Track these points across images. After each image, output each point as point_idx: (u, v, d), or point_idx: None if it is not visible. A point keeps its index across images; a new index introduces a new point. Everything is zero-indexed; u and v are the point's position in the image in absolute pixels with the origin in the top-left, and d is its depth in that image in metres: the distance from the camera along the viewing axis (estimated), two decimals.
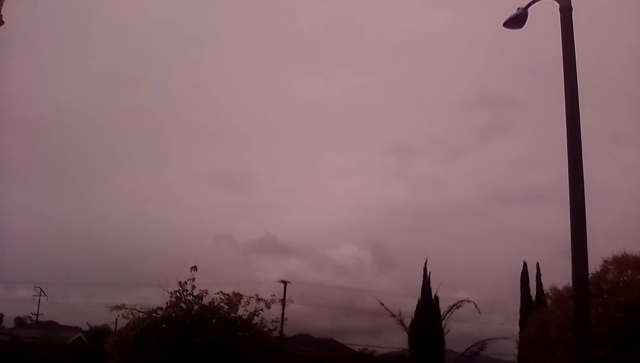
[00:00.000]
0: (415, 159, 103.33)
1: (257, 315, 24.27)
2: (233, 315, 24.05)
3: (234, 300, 24.13)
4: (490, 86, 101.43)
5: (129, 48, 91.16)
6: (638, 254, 21.98)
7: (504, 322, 53.86)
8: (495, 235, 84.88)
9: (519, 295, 42.51)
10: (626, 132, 74.87)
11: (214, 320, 23.79)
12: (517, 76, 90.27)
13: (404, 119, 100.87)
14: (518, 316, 40.53)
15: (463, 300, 38.40)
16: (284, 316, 33.44)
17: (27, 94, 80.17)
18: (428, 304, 37.41)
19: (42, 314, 68.27)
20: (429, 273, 38.25)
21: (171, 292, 23.95)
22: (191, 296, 24.06)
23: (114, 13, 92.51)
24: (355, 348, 64.77)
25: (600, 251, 21.55)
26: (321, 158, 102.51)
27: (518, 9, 13.04)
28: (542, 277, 41.68)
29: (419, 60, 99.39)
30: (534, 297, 40.56)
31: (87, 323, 59.97)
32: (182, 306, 23.94)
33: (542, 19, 13.10)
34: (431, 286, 38.06)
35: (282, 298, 40.67)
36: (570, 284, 12.33)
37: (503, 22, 13.19)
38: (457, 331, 39.93)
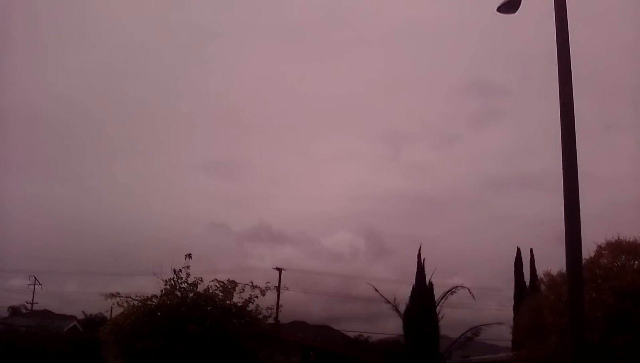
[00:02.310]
0: (408, 146, 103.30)
1: (252, 302, 24.35)
2: (228, 302, 24.10)
3: (229, 287, 24.18)
4: (483, 73, 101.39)
5: (124, 39, 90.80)
6: (632, 239, 22.05)
7: (498, 308, 54.25)
8: (489, 222, 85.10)
9: (513, 280, 42.74)
10: (619, 120, 74.94)
11: (209, 308, 23.83)
12: (509, 63, 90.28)
13: (396, 106, 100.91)
14: (512, 302, 40.78)
15: (457, 286, 38.61)
16: (279, 304, 33.63)
17: (23, 85, 79.97)
18: (422, 290, 37.53)
19: (37, 303, 68.37)
20: (423, 259, 38.40)
21: (166, 280, 23.98)
22: (186, 284, 24.09)
23: (109, 4, 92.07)
24: (351, 335, 65.01)
25: (593, 237, 21.61)
26: (314, 146, 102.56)
27: None
28: (535, 263, 41.89)
29: (412, 47, 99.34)
30: (527, 283, 40.75)
31: (82, 311, 60.06)
32: (177, 294, 23.96)
33: (535, 5, 13.07)
34: (425, 272, 38.20)
35: (277, 285, 40.72)
36: (564, 269, 12.37)
37: (496, 7, 13.15)
38: (452, 317, 40.11)
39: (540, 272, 29.41)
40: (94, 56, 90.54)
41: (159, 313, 23.57)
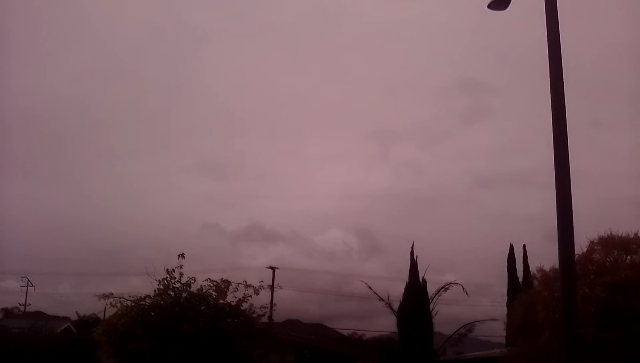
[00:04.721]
0: (398, 145, 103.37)
1: (246, 301, 24.34)
2: (222, 301, 24.09)
3: (223, 286, 24.16)
4: (472, 72, 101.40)
5: (119, 43, 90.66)
6: (624, 234, 22.12)
7: (491, 304, 54.46)
8: (480, 219, 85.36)
9: (506, 277, 42.73)
10: (606, 117, 75.36)
11: (202, 307, 23.82)
12: (498, 61, 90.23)
13: (386, 105, 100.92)
14: (505, 298, 40.70)
15: (450, 283, 38.63)
16: (273, 302, 33.57)
17: (20, 87, 79.71)
18: (416, 287, 37.55)
19: (30, 304, 68.16)
20: (416, 256, 38.41)
21: (159, 280, 23.95)
22: (179, 284, 24.07)
23: (106, 9, 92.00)
24: (345, 333, 65.23)
25: (583, 233, 21.64)
26: (304, 146, 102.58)
27: None
28: (528, 259, 41.92)
29: (400, 46, 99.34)
30: (521, 279, 40.74)
31: (75, 312, 59.91)
32: (170, 294, 23.95)
33: (524, 2, 13.09)
34: (418, 270, 38.24)
35: (270, 284, 40.68)
36: (557, 265, 12.40)
37: (486, 4, 13.17)
38: (445, 314, 40.15)
39: (533, 268, 29.45)
40: (90, 58, 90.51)
41: (152, 314, 23.54)
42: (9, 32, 64.02)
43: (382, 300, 38.42)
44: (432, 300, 37.81)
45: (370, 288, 39.16)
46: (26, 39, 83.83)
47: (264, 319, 27.62)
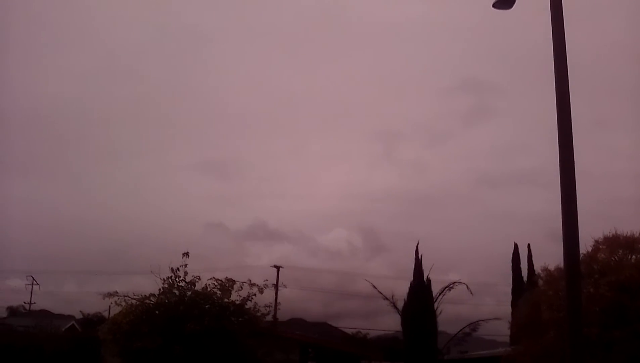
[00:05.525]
0: (401, 144, 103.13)
1: (250, 300, 24.34)
2: (226, 300, 24.11)
3: (227, 285, 24.18)
4: (475, 71, 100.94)
5: (120, 42, 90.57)
6: (629, 234, 22.09)
7: (495, 303, 54.31)
8: (484, 218, 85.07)
9: (510, 276, 42.76)
10: (609, 116, 75.15)
11: (207, 306, 23.84)
12: (501, 61, 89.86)
13: (389, 105, 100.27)
14: (510, 297, 40.78)
15: (455, 282, 38.76)
16: (277, 301, 33.55)
17: (22, 86, 79.87)
18: (420, 286, 37.63)
19: (34, 303, 68.30)
20: (421, 256, 38.47)
21: (164, 279, 23.98)
22: (184, 283, 24.09)
23: (107, 8, 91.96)
24: (349, 332, 65.24)
25: (588, 232, 21.60)
26: (308, 145, 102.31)
27: None
28: (533, 258, 41.94)
29: (404, 46, 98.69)
30: (525, 278, 40.78)
31: (80, 311, 60.01)
32: (174, 293, 23.98)
33: (527, 1, 13.06)
34: (423, 269, 38.28)
35: (274, 283, 40.71)
36: (562, 264, 12.40)
37: (491, 3, 13.15)
38: (450, 313, 40.31)
39: (537, 267, 29.47)
40: (91, 58, 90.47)
41: (157, 312, 23.58)
42: (9, 32, 64.06)
43: (387, 299, 38.56)
44: (437, 299, 37.91)
45: (374, 287, 39.30)
46: (26, 39, 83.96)
47: (269, 318, 27.66)
